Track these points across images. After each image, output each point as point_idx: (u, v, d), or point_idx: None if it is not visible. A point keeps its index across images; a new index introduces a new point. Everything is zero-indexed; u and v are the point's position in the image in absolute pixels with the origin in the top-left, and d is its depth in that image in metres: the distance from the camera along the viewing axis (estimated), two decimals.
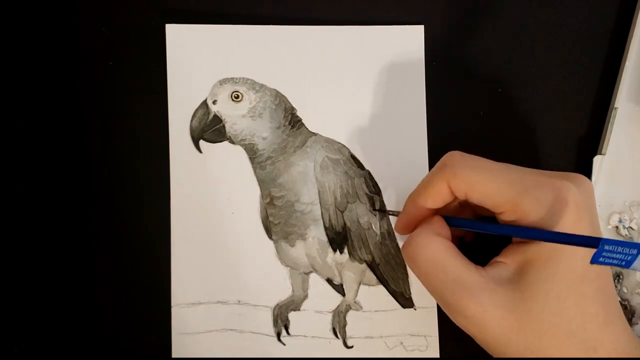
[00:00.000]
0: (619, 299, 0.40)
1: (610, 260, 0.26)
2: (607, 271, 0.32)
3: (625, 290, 0.40)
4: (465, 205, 0.37)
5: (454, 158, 0.33)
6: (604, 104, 0.42)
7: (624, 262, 0.26)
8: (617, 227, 0.41)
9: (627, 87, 0.41)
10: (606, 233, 0.41)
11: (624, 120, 0.41)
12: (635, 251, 0.25)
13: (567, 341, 0.30)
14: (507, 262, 0.32)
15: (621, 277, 0.41)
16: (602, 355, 0.30)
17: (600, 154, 0.41)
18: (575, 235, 0.29)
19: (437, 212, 0.35)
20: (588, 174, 0.41)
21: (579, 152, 0.42)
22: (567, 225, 0.31)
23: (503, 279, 0.32)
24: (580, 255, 0.31)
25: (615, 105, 0.41)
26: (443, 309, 0.33)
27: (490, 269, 0.32)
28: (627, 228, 0.41)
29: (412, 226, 0.36)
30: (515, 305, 0.30)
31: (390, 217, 0.41)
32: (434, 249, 0.33)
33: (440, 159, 0.34)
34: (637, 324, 0.40)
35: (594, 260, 0.27)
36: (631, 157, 0.41)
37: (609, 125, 0.41)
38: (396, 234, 0.41)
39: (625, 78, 0.41)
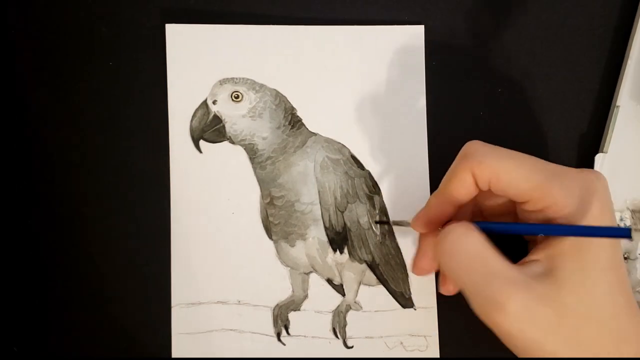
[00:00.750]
0: None
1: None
2: (623, 263, 0.32)
3: None
4: (477, 214, 0.37)
5: (476, 147, 0.33)
6: (606, 103, 0.42)
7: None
8: (618, 225, 0.41)
9: (629, 85, 0.41)
10: None
11: (626, 119, 0.41)
12: None
13: (602, 332, 0.30)
14: (539, 258, 0.32)
15: None
16: (633, 345, 0.30)
17: (602, 152, 0.41)
18: (609, 228, 0.30)
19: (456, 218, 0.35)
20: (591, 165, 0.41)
21: (580, 150, 0.42)
22: (595, 214, 0.31)
23: (539, 274, 0.31)
24: (607, 244, 0.31)
25: (618, 104, 0.41)
26: (477, 308, 0.31)
27: (525, 267, 0.32)
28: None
29: (434, 223, 0.35)
30: (553, 300, 0.30)
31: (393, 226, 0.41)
32: (475, 242, 0.31)
33: (461, 150, 0.33)
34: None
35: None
36: (633, 155, 0.41)
37: (611, 123, 0.41)
38: (396, 234, 0.41)
39: (627, 76, 0.41)
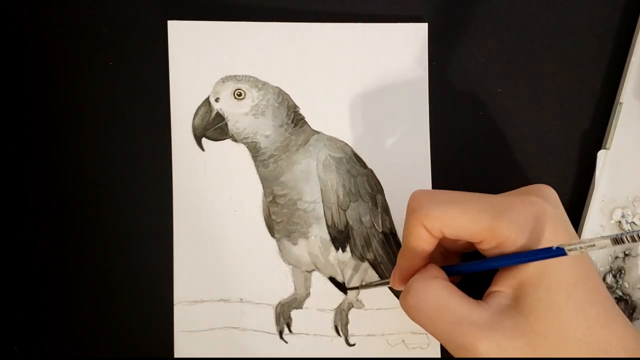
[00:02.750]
0: (621, 293, 0.41)
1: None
2: (594, 272, 0.32)
3: (626, 286, 0.41)
4: (447, 253, 0.37)
5: (420, 199, 0.33)
6: (607, 102, 0.42)
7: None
8: (619, 222, 0.41)
9: (632, 82, 0.41)
10: (609, 228, 0.41)
11: (629, 116, 0.41)
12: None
13: (577, 350, 0.30)
14: (503, 289, 0.32)
15: (623, 272, 0.41)
16: (612, 355, 0.31)
17: (605, 149, 0.41)
18: (541, 250, 0.30)
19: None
20: (592, 168, 0.41)
21: (582, 148, 0.42)
22: (549, 238, 0.31)
23: (504, 307, 0.31)
24: (567, 264, 0.31)
25: (621, 101, 0.41)
26: (452, 352, 0.32)
27: (490, 300, 0.32)
28: (630, 223, 0.41)
29: (408, 279, 0.35)
30: (524, 331, 0.30)
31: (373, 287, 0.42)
32: (436, 292, 0.32)
33: (408, 203, 0.34)
34: (638, 318, 0.40)
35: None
36: (635, 152, 0.41)
37: (614, 120, 0.41)
38: (399, 234, 0.41)
39: (630, 74, 0.41)
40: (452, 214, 0.31)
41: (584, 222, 0.41)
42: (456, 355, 0.32)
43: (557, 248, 0.29)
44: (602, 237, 0.28)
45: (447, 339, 0.31)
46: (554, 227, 0.31)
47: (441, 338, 0.32)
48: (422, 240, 0.33)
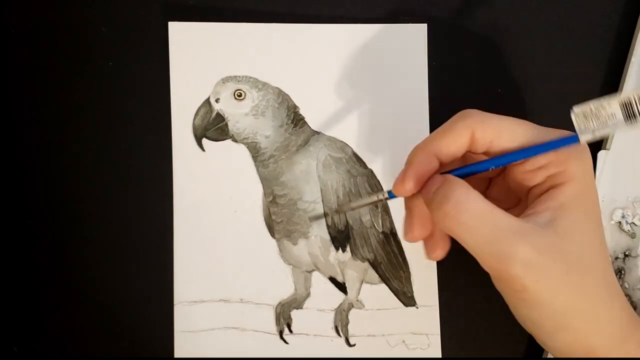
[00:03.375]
0: None
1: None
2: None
3: (627, 286, 0.41)
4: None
5: (475, 111, 0.33)
6: None
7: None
8: (619, 222, 0.41)
9: (632, 83, 0.41)
10: (609, 228, 0.41)
11: None
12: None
13: (600, 281, 0.31)
14: (539, 210, 0.32)
15: (623, 272, 0.41)
16: (621, 297, 0.32)
17: (605, 149, 0.41)
18: (554, 141, 0.31)
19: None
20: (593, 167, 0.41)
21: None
22: (588, 161, 0.32)
23: (542, 225, 0.31)
24: (597, 196, 0.32)
25: None
26: (488, 264, 0.31)
27: (527, 219, 0.31)
28: (629, 224, 0.41)
29: (421, 182, 0.33)
30: (560, 250, 0.30)
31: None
32: (479, 202, 0.31)
33: (458, 113, 0.33)
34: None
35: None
36: (635, 153, 0.41)
37: None
38: (399, 233, 0.41)
39: (630, 74, 0.41)
40: (508, 125, 0.32)
41: None
42: (491, 267, 0.31)
43: (572, 137, 0.30)
44: (617, 112, 0.28)
45: (485, 245, 0.30)
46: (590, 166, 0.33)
47: (478, 245, 0.31)
48: (459, 144, 0.33)
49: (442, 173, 0.33)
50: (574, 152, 0.31)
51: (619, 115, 0.28)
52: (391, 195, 0.34)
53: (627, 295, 0.41)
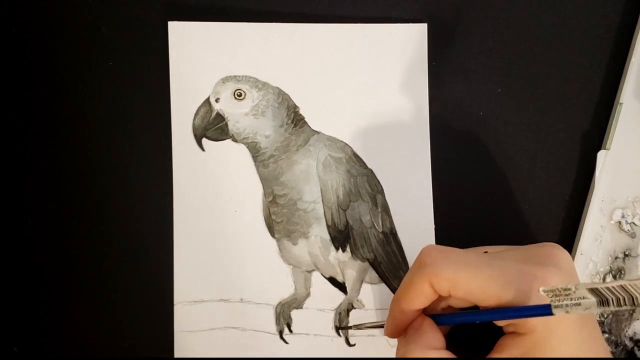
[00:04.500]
0: None
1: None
2: (595, 322, 0.33)
3: None
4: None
5: (432, 256, 0.33)
6: (606, 103, 0.42)
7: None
8: (619, 222, 0.41)
9: (632, 83, 0.41)
10: (609, 228, 0.41)
11: (629, 116, 0.41)
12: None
13: None
14: (503, 356, 0.32)
15: (623, 272, 0.41)
16: None
17: (605, 149, 0.41)
18: (531, 307, 0.30)
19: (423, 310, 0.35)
20: (592, 168, 0.41)
21: (583, 148, 0.42)
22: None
23: None
24: (572, 336, 0.31)
25: (621, 101, 0.41)
26: None
27: None
28: (629, 224, 0.41)
29: (402, 330, 0.35)
30: None
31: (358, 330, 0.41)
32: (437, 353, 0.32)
33: (417, 257, 0.33)
34: (638, 319, 0.41)
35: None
36: (635, 153, 0.41)
37: (614, 120, 0.41)
38: (398, 233, 0.41)
39: (630, 74, 0.41)
40: (463, 277, 0.32)
41: (583, 222, 0.41)
42: None
43: (545, 306, 0.29)
44: (587, 293, 0.28)
45: None
46: None
47: None
48: (424, 296, 0.33)
49: (434, 317, 0.34)
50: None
51: (594, 305, 0.28)
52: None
53: None
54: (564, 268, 0.32)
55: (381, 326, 0.38)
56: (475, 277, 0.32)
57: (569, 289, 0.28)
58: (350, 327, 0.41)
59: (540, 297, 0.30)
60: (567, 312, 0.28)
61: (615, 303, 0.27)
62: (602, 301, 0.27)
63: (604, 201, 0.41)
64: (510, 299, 0.31)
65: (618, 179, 0.41)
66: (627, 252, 0.41)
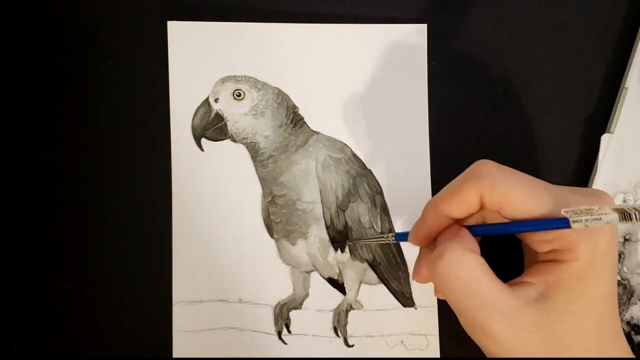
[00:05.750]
0: (619, 278, 0.41)
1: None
2: (616, 289, 0.33)
3: (625, 270, 0.41)
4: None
5: (489, 168, 0.32)
6: (614, 85, 0.42)
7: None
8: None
9: (638, 67, 0.41)
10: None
11: (634, 101, 0.41)
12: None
13: (582, 357, 0.31)
14: (535, 282, 0.32)
15: (622, 256, 0.41)
16: None
17: (609, 133, 0.41)
18: (550, 220, 0.30)
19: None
20: (595, 152, 0.41)
21: (587, 130, 0.42)
22: (603, 244, 0.31)
23: (531, 299, 0.31)
24: (609, 275, 0.31)
25: (626, 85, 0.41)
26: (465, 326, 0.32)
27: (519, 289, 0.31)
28: None
29: (431, 237, 0.34)
30: (542, 328, 0.30)
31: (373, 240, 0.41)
32: (469, 268, 0.31)
33: (471, 167, 0.32)
34: (635, 303, 0.41)
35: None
36: (638, 137, 0.41)
37: (619, 104, 0.41)
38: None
39: (636, 58, 0.41)
40: (520, 195, 0.30)
41: None
42: (469, 332, 0.31)
43: (563, 219, 0.29)
44: (609, 210, 0.27)
45: (467, 314, 0.31)
46: (611, 238, 0.31)
47: (461, 312, 0.31)
48: (469, 206, 0.32)
49: (465, 225, 0.33)
50: (587, 232, 0.30)
51: (616, 219, 0.28)
52: (397, 238, 0.36)
53: (625, 279, 0.41)
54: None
55: (381, 237, 0.38)
56: (533, 197, 0.31)
57: (592, 209, 0.28)
58: (354, 240, 0.41)
59: (596, 230, 0.30)
60: (586, 225, 0.28)
61: (638, 216, 0.27)
62: (625, 216, 0.27)
63: (606, 185, 0.41)
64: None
65: (621, 163, 0.41)
66: (627, 237, 0.41)
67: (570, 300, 0.30)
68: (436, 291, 0.37)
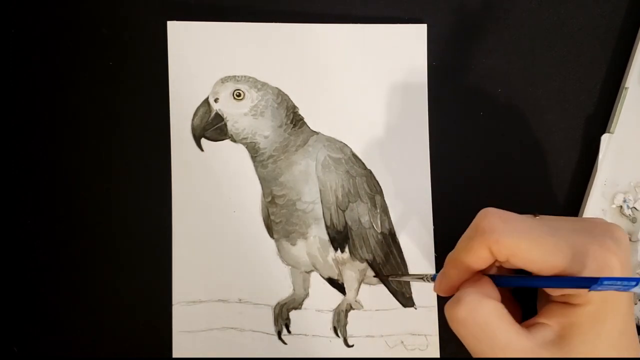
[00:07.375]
0: None
1: (610, 287, 0.27)
2: (634, 322, 0.33)
3: None
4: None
5: (492, 222, 0.32)
6: (614, 85, 0.42)
7: (622, 288, 0.27)
8: (620, 206, 0.41)
9: (638, 67, 0.41)
10: (610, 212, 0.41)
11: (634, 101, 0.41)
12: (633, 283, 0.26)
13: None
14: (551, 324, 0.32)
15: None
16: None
17: (609, 133, 0.41)
18: (585, 279, 0.29)
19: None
20: (595, 152, 0.41)
21: (587, 130, 0.42)
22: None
23: (547, 342, 0.31)
24: (624, 311, 0.31)
25: (626, 85, 0.41)
26: None
27: (535, 331, 0.32)
28: (631, 208, 0.41)
29: (455, 288, 0.34)
30: None
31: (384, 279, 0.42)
32: (487, 313, 0.31)
33: (475, 221, 0.33)
34: (636, 303, 0.41)
35: (593, 288, 0.28)
36: (638, 138, 0.41)
37: (619, 104, 0.41)
38: (397, 234, 0.41)
39: (637, 58, 0.41)
40: (525, 247, 0.31)
41: (585, 205, 0.41)
42: None
43: (585, 279, 0.29)
44: None
45: (481, 355, 0.31)
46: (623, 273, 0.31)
47: (476, 354, 0.32)
48: (482, 261, 0.32)
49: (492, 277, 0.34)
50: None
51: None
52: (435, 279, 0.36)
53: None
54: (622, 244, 0.32)
55: (420, 278, 0.38)
56: (538, 247, 0.31)
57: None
58: (388, 277, 0.41)
59: (593, 272, 0.30)
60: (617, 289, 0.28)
61: None
62: None
63: (606, 185, 0.41)
64: (572, 271, 0.30)
65: (621, 163, 0.41)
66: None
67: (586, 341, 0.31)
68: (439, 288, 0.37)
